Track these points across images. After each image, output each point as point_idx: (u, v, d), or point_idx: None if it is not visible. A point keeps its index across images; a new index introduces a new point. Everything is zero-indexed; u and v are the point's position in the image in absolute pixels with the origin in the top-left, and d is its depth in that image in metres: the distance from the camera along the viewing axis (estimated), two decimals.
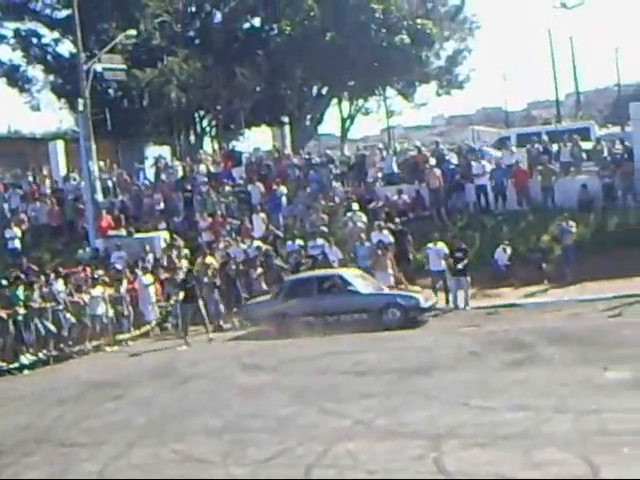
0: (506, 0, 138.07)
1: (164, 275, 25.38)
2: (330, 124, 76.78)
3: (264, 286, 24.30)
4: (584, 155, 30.04)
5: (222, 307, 24.14)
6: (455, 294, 23.56)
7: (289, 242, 26.63)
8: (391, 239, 25.29)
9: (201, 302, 23.01)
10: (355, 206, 28.03)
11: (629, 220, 26.75)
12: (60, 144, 36.79)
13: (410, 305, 21.96)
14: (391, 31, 46.17)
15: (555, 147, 30.33)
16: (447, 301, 23.82)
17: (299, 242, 26.39)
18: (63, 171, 35.75)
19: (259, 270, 24.48)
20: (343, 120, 53.16)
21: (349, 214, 27.84)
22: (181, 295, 22.97)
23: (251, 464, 12.02)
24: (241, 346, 21.06)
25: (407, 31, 46.48)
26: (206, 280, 23.99)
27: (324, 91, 50.77)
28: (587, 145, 30.86)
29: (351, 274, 23.05)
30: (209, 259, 25.41)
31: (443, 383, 15.20)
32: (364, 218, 27.43)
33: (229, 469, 11.92)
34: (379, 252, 24.21)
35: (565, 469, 10.52)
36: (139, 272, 24.97)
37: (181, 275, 24.68)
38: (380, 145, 36.64)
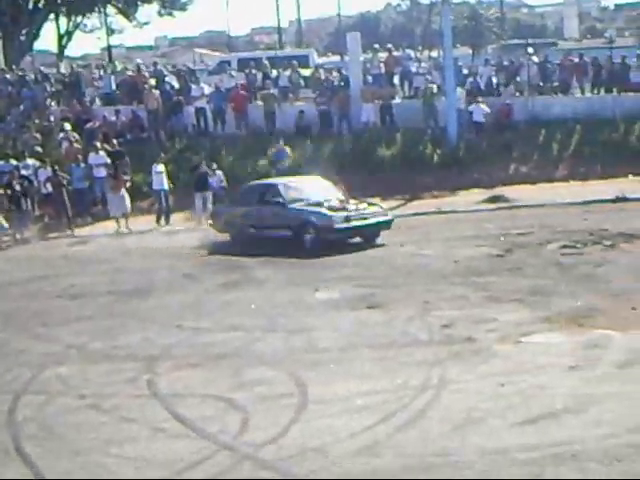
0: None
1: None
2: (47, 40, 73.79)
3: None
4: (302, 82, 30.59)
5: None
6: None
7: (1, 162, 25.36)
8: (108, 160, 24.73)
9: None
10: (67, 126, 27.10)
11: (343, 146, 27.59)
12: None
13: (323, 225, 19.24)
14: None
15: (275, 73, 30.64)
16: (167, 222, 23.66)
17: (13, 162, 25.17)
18: None
19: None
20: (60, 36, 51.15)
21: (62, 134, 26.92)
22: None
23: None
24: None
25: None
26: None
27: (41, 5, 48.50)
28: (306, 72, 31.43)
29: (294, 184, 20.78)
30: None
31: (158, 306, 15.18)
32: (76, 137, 26.60)
33: None
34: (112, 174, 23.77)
35: (273, 387, 10.83)
36: None
37: None
38: (98, 63, 35.58)
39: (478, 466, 8.45)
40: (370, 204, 20.29)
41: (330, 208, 19.37)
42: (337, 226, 19.02)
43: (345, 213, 19.36)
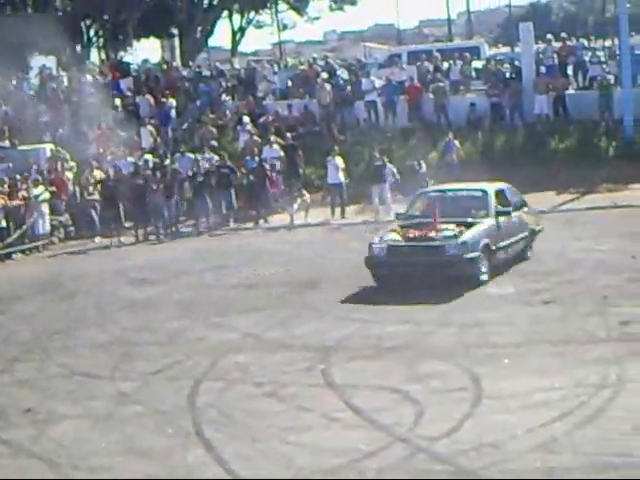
0: None
1: (51, 188, 24.72)
2: (221, 37, 75.70)
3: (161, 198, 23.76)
4: (473, 74, 30.31)
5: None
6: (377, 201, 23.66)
7: (177, 154, 26.14)
8: (281, 154, 25.20)
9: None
10: (246, 119, 27.75)
11: (516, 139, 27.20)
12: None
13: None
14: None
15: (445, 65, 30.46)
16: (342, 215, 23.84)
17: (190, 155, 25.90)
18: None
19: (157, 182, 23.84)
20: (234, 33, 52.37)
21: (240, 127, 27.55)
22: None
23: (139, 377, 12.03)
24: (128, 260, 20.81)
25: None
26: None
27: (215, 2, 49.77)
28: (477, 64, 31.14)
29: None
30: (96, 172, 24.95)
31: (331, 297, 15.35)
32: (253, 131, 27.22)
33: (117, 383, 11.90)
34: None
35: (447, 380, 10.82)
36: (29, 184, 24.21)
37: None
38: (270, 58, 36.22)
39: None
40: None
41: None
42: None
43: None
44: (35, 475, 9.26)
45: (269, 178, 24.43)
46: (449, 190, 17.81)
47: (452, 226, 15.72)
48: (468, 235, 15.50)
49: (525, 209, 17.56)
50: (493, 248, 15.75)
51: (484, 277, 15.53)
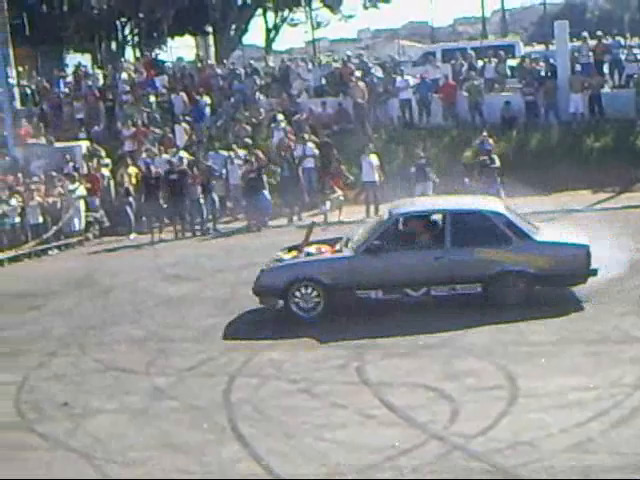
0: None
1: (86, 185, 24.90)
2: (255, 35, 75.89)
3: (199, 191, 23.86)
4: (508, 72, 30.18)
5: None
6: None
7: (211, 152, 26.24)
8: (316, 151, 25.19)
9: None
10: (280, 116, 27.80)
11: (550, 137, 27.04)
12: None
13: None
14: None
15: (480, 63, 30.34)
16: (376, 213, 23.75)
17: (223, 152, 26.01)
18: None
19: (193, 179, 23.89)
20: (268, 31, 52.48)
21: (274, 124, 27.56)
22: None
23: (174, 373, 12.10)
24: (164, 256, 20.91)
25: None
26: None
27: (249, 0, 49.91)
28: (512, 62, 31.00)
29: None
30: (131, 169, 25.11)
31: None
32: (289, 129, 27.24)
33: (152, 378, 11.97)
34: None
35: (482, 378, 10.79)
36: (66, 180, 24.40)
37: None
38: (304, 56, 36.23)
39: None
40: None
41: None
42: None
43: None
44: (71, 467, 9.35)
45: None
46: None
47: (312, 249, 14.70)
48: (277, 264, 14.30)
49: (491, 249, 13.64)
50: (337, 284, 13.76)
51: (305, 314, 13.86)
